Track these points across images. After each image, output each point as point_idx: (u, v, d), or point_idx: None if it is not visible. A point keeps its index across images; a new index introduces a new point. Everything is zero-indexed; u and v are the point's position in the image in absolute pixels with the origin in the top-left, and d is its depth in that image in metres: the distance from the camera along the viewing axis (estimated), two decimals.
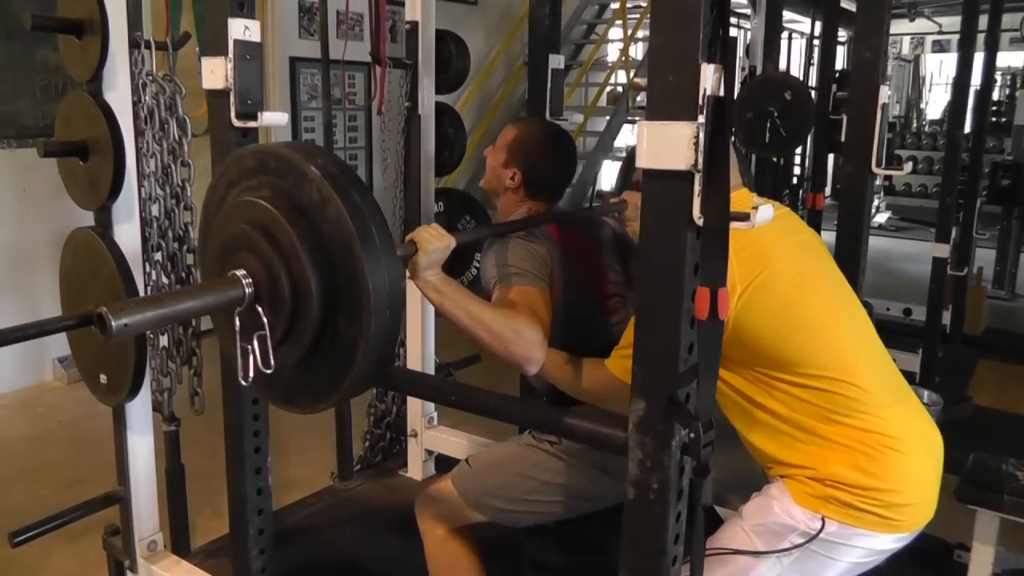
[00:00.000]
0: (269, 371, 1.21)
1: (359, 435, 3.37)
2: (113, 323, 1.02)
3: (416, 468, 3.31)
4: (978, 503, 2.31)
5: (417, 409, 3.23)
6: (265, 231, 1.19)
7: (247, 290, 1.20)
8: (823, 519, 1.48)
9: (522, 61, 7.24)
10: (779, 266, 1.55)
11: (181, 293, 1.23)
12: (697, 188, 1.05)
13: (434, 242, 1.56)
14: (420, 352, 3.15)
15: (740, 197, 1.56)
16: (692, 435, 1.09)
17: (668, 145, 1.05)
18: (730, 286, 1.34)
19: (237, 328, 1.21)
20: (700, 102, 1.04)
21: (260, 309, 1.20)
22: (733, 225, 1.06)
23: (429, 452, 3.29)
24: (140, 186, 2.23)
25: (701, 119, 1.03)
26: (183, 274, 2.32)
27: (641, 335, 1.14)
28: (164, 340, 2.37)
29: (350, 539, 2.93)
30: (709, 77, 1.03)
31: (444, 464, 3.18)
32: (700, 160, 1.04)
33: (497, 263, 1.83)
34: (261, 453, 1.92)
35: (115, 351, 2.08)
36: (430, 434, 3.25)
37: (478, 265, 2.88)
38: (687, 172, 1.05)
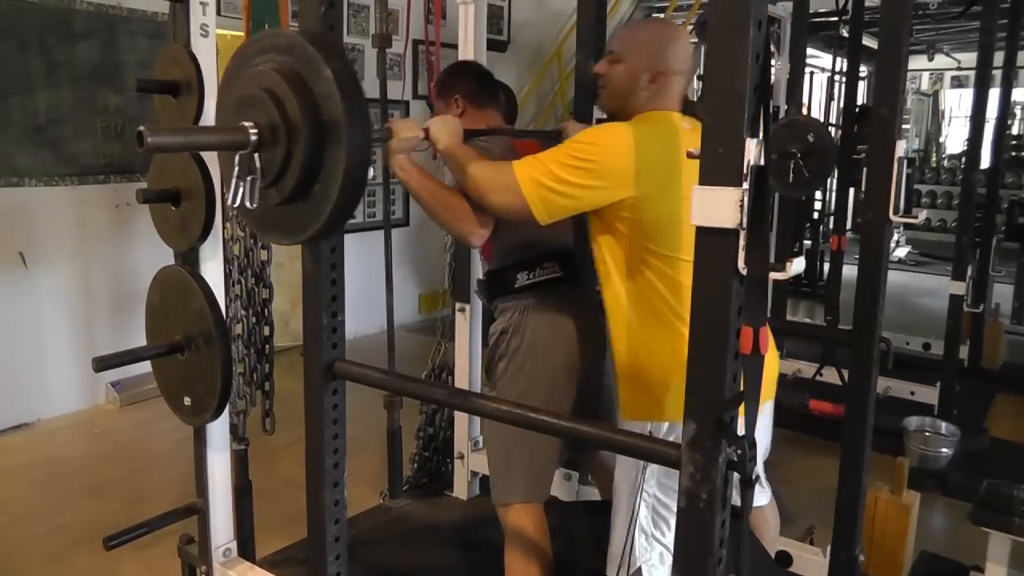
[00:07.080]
0: (252, 207, 1.54)
1: (408, 457, 3.55)
2: (149, 139, 1.35)
3: (462, 488, 3.48)
4: (991, 526, 2.44)
5: (463, 433, 3.40)
6: (278, 102, 1.49)
7: (252, 138, 1.51)
8: (649, 424, 1.80)
9: (552, 96, 7.51)
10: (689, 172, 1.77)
11: (202, 129, 1.66)
12: (742, 243, 1.26)
13: (407, 131, 1.94)
14: (467, 377, 3.34)
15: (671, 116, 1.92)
16: (739, 452, 1.29)
17: (718, 207, 1.26)
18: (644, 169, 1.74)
19: (235, 166, 1.54)
20: (744, 171, 1.25)
21: (257, 157, 1.53)
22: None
23: (474, 473, 3.46)
24: (223, 227, 2.45)
25: (745, 185, 1.24)
26: (259, 308, 2.52)
27: (693, 366, 1.34)
28: (240, 367, 2.58)
29: (404, 553, 3.11)
30: (752, 150, 1.25)
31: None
32: (744, 219, 1.25)
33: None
34: (339, 468, 2.10)
35: (201, 376, 2.29)
36: (475, 456, 3.42)
37: None
38: (734, 230, 1.26)
